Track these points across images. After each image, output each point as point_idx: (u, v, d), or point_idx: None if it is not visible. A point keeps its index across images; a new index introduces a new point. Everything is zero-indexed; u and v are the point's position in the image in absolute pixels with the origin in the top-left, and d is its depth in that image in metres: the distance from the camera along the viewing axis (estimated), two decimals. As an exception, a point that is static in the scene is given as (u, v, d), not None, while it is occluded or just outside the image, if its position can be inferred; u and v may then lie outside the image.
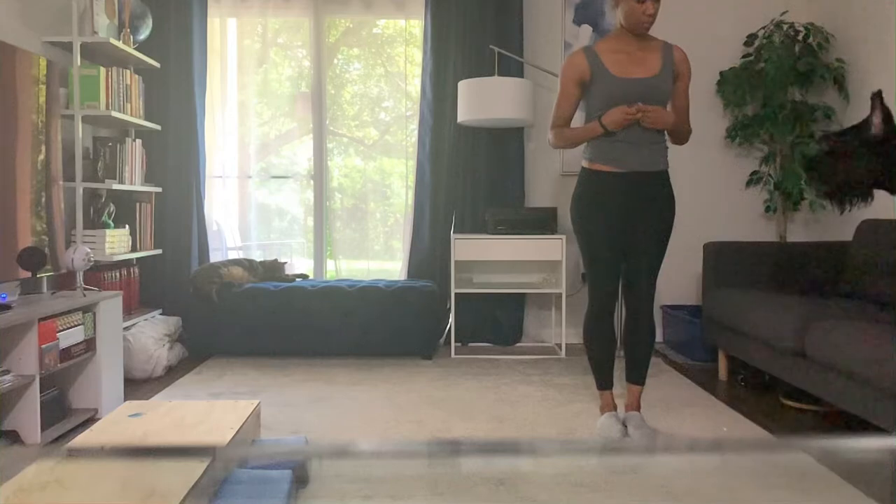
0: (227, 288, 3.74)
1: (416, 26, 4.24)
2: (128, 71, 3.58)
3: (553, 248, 3.77)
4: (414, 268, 4.17)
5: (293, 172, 4.46)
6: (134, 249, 3.74)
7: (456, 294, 3.92)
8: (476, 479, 2.09)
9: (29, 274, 2.60)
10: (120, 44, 3.43)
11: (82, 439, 1.94)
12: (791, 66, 3.87)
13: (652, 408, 2.86)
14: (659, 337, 4.22)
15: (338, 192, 4.48)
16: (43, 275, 2.84)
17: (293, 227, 4.59)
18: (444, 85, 4.10)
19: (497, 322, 4.14)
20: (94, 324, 2.79)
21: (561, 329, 4.09)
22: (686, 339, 3.79)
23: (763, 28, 4.06)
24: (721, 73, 4.16)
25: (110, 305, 2.90)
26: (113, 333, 2.92)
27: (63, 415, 2.64)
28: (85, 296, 2.79)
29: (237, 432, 1.98)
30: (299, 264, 4.53)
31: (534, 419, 2.72)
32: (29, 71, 2.60)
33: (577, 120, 4.26)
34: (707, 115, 4.26)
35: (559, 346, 4.12)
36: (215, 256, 4.24)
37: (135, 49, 3.66)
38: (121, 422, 2.04)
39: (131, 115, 3.62)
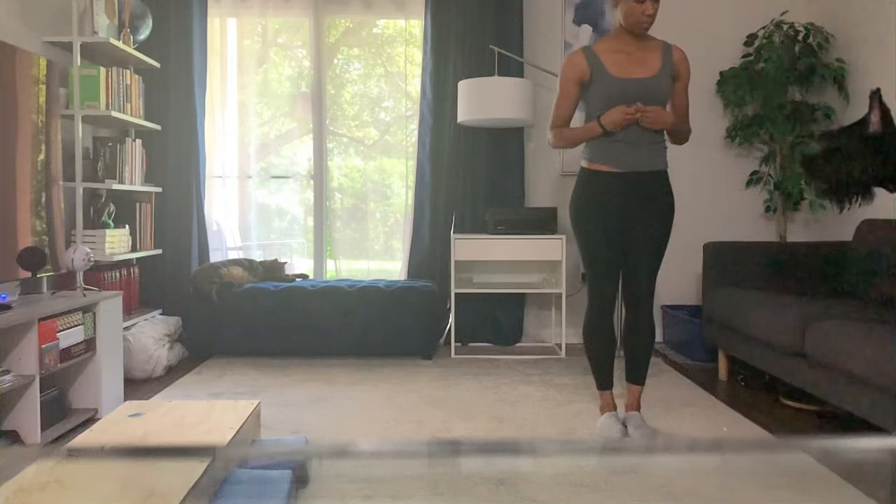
0: (227, 288, 3.74)
1: (416, 26, 4.24)
2: (128, 71, 3.58)
3: (553, 248, 3.77)
4: (414, 268, 4.17)
5: (293, 172, 4.46)
6: (134, 249, 3.74)
7: (456, 294, 3.92)
8: (476, 479, 2.09)
9: (29, 274, 2.60)
10: (120, 44, 3.43)
11: (82, 439, 1.94)
12: (791, 66, 3.87)
13: (652, 408, 2.86)
14: (659, 337, 4.22)
15: (338, 192, 4.48)
16: (43, 275, 2.84)
17: (293, 227, 4.59)
18: (444, 85, 4.10)
19: (497, 322, 4.14)
20: (94, 324, 2.79)
21: (561, 329, 4.09)
22: (686, 339, 3.79)
23: (763, 28, 4.06)
24: (721, 73, 4.16)
25: (110, 305, 2.90)
26: (113, 333, 2.92)
27: (63, 415, 2.64)
28: (85, 296, 2.79)
29: (237, 432, 1.99)
30: (299, 264, 4.53)
31: (534, 419, 2.72)
32: (29, 71, 2.60)
33: (577, 120, 4.26)
34: (707, 115, 4.26)
35: (559, 346, 4.12)
36: (215, 256, 4.24)
37: (135, 49, 3.66)
38: (121, 422, 2.04)
39: (131, 115, 3.62)
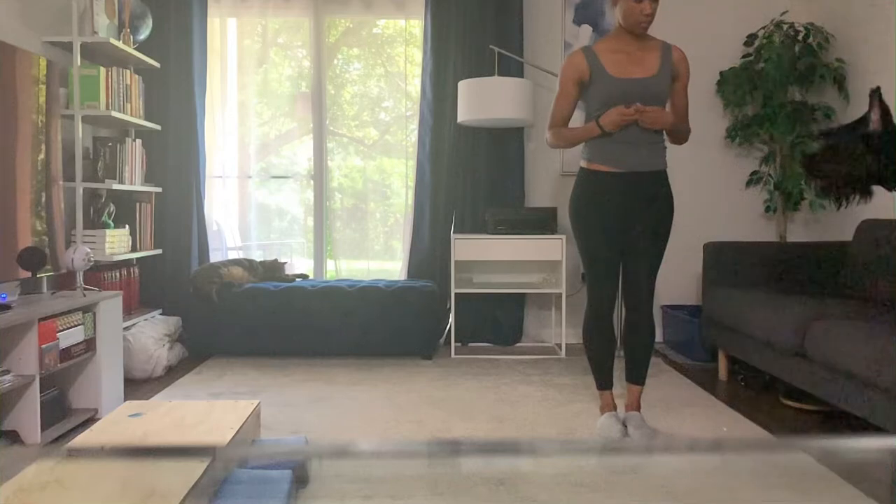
0: (227, 288, 3.74)
1: (416, 26, 4.24)
2: (128, 71, 3.58)
3: (553, 248, 3.77)
4: (414, 268, 4.17)
5: (293, 172, 4.46)
6: (134, 249, 3.74)
7: (456, 294, 3.92)
8: (476, 479, 2.09)
9: (29, 274, 2.60)
10: (120, 44, 3.43)
11: (82, 439, 1.94)
12: (791, 66, 3.87)
13: (652, 408, 2.86)
14: (659, 337, 4.22)
15: (338, 192, 4.48)
16: (43, 275, 2.84)
17: (293, 227, 4.59)
18: (444, 85, 4.10)
19: (497, 322, 4.14)
20: (94, 324, 2.79)
21: (561, 329, 4.09)
22: (686, 339, 3.79)
23: (763, 28, 4.06)
24: (721, 73, 4.16)
25: (110, 305, 2.90)
26: (113, 333, 2.92)
27: (63, 415, 2.64)
28: (85, 296, 2.79)
29: (237, 432, 1.99)
30: (299, 264, 4.53)
31: (534, 419, 2.72)
32: (29, 71, 2.60)
33: (577, 120, 4.26)
34: (707, 115, 4.26)
35: (559, 346, 4.12)
36: (215, 256, 4.24)
37: (135, 49, 3.66)
38: (121, 422, 2.04)
39: (131, 115, 3.62)
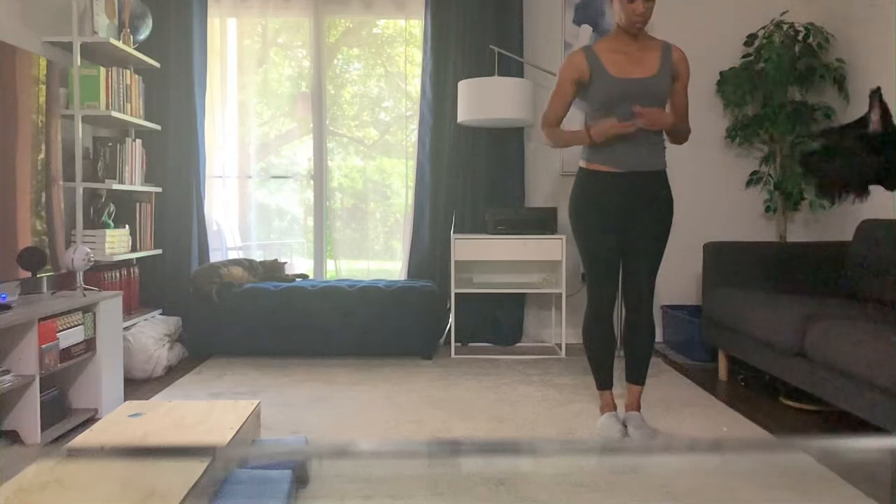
0: (227, 288, 3.74)
1: (416, 26, 4.24)
2: (128, 71, 3.58)
3: (553, 248, 3.77)
4: (414, 268, 4.17)
5: (293, 172, 4.46)
6: (134, 249, 3.74)
7: (456, 294, 3.92)
8: (476, 479, 2.09)
9: (29, 274, 2.60)
10: (120, 44, 3.43)
11: (82, 439, 1.94)
12: (791, 66, 3.87)
13: (652, 408, 2.86)
14: (659, 337, 4.22)
15: (338, 192, 4.48)
16: (43, 275, 2.84)
17: (293, 227, 4.59)
18: (444, 85, 4.10)
19: (497, 322, 4.14)
20: (94, 324, 2.79)
21: (561, 329, 4.09)
22: (686, 339, 3.79)
23: (763, 28, 4.06)
24: (721, 73, 4.16)
25: (110, 305, 2.90)
26: (113, 333, 2.92)
27: (63, 415, 2.64)
28: (85, 296, 2.79)
29: (237, 432, 1.99)
30: (299, 264, 4.53)
31: (534, 419, 2.72)
32: (29, 71, 2.60)
33: (578, 119, 4.26)
34: (707, 115, 4.26)
35: (559, 346, 4.12)
36: (215, 256, 4.24)
37: (135, 49, 3.66)
38: (121, 422, 2.04)
39: (131, 115, 3.62)
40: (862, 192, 2.08)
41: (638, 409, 2.59)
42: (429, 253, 4.15)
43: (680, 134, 2.54)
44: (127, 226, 3.67)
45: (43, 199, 2.69)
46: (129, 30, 3.64)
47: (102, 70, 3.35)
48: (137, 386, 3.26)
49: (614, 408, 2.61)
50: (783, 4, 4.19)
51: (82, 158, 3.45)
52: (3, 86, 2.45)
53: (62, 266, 2.82)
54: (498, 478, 2.09)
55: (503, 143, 4.12)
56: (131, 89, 3.62)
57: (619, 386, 3.13)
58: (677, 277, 4.31)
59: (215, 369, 3.53)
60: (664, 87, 2.42)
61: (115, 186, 3.44)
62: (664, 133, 2.51)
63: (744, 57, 4.14)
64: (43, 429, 2.46)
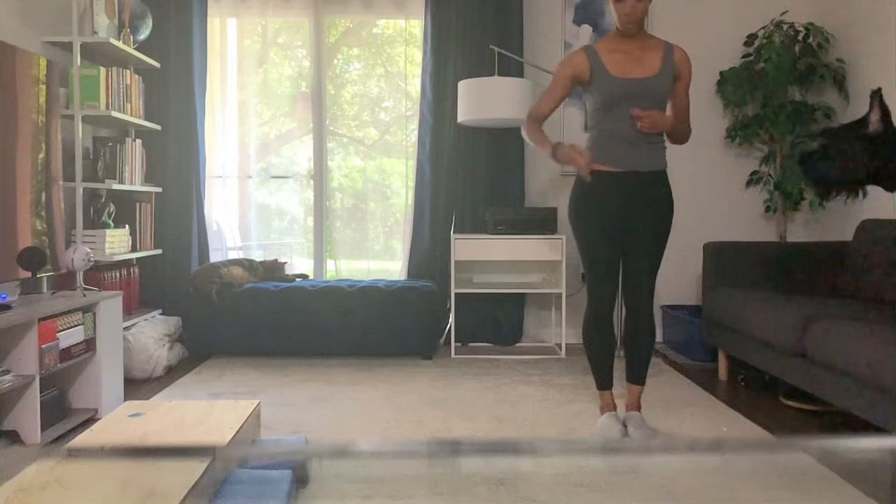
0: (227, 288, 3.74)
1: (416, 26, 4.24)
2: (128, 71, 3.58)
3: (553, 248, 3.77)
4: (414, 268, 4.17)
5: (293, 172, 4.46)
6: (134, 249, 3.74)
7: (456, 294, 3.92)
8: (476, 479, 2.09)
9: (29, 274, 2.60)
10: (120, 44, 3.43)
11: (82, 439, 1.94)
12: (791, 66, 3.87)
13: (652, 408, 2.86)
14: (659, 337, 4.22)
15: (338, 192, 4.48)
16: (43, 275, 2.84)
17: (293, 227, 4.59)
18: (444, 85, 4.10)
19: (497, 322, 4.14)
20: (94, 324, 2.79)
21: (561, 329, 4.09)
22: (686, 339, 3.79)
23: (763, 28, 4.06)
24: (721, 73, 4.16)
25: (110, 305, 2.90)
26: (113, 333, 2.92)
27: (63, 415, 2.64)
28: (85, 296, 2.79)
29: (237, 432, 1.99)
30: (299, 264, 4.53)
31: (534, 419, 2.72)
32: (29, 71, 2.60)
33: (577, 119, 4.26)
34: (707, 115, 4.26)
35: (559, 346, 4.12)
36: (215, 256, 4.24)
37: (135, 49, 3.66)
38: (121, 422, 2.04)
39: (131, 115, 3.62)
40: (857, 193, 2.09)
41: (638, 409, 2.59)
42: (429, 253, 4.15)
43: (680, 135, 2.54)
44: (127, 226, 3.67)
45: (43, 199, 2.69)
46: (129, 30, 3.64)
47: (102, 70, 3.35)
48: (137, 386, 3.26)
49: (614, 408, 2.61)
50: (783, 4, 4.19)
51: (82, 158, 3.45)
52: (3, 86, 2.45)
53: (62, 266, 2.82)
54: (498, 478, 2.09)
55: (503, 143, 4.12)
56: (131, 89, 3.62)
57: (620, 386, 3.13)
58: (677, 277, 4.31)
59: (215, 369, 3.53)
60: (665, 87, 2.42)
61: (115, 186, 3.44)
62: (664, 133, 2.51)
63: (744, 57, 4.14)
64: (43, 429, 2.46)
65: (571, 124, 4.24)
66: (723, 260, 3.39)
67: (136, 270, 3.81)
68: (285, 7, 4.25)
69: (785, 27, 3.95)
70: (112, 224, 3.55)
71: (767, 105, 3.98)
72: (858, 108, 3.78)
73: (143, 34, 3.76)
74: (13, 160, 2.50)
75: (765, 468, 2.17)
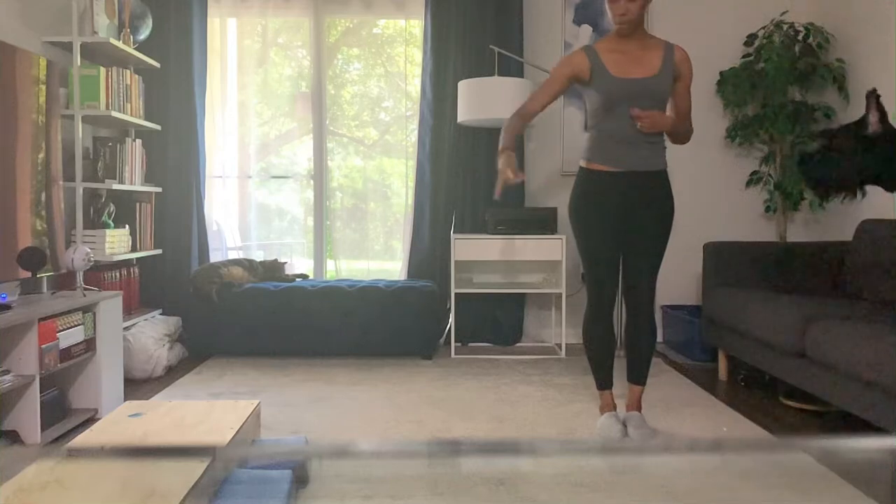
0: (227, 288, 3.74)
1: (416, 26, 4.24)
2: (128, 71, 3.58)
3: (553, 248, 3.77)
4: (414, 268, 4.17)
5: (293, 172, 4.46)
6: (134, 249, 3.74)
7: (456, 294, 3.92)
8: (476, 479, 2.09)
9: (29, 274, 2.60)
10: (120, 44, 3.43)
11: (82, 439, 1.94)
12: (791, 66, 3.87)
13: (652, 408, 2.86)
14: (659, 337, 4.22)
15: (338, 192, 4.48)
16: (43, 275, 2.84)
17: (293, 227, 4.59)
18: (444, 85, 4.10)
19: (497, 322, 4.14)
20: (94, 324, 2.79)
21: (561, 329, 4.09)
22: (686, 339, 3.79)
23: (763, 28, 4.06)
24: (721, 73, 4.16)
25: (110, 305, 2.90)
26: (113, 333, 2.92)
27: (63, 415, 2.64)
28: (85, 296, 2.79)
29: (237, 432, 1.99)
30: (299, 264, 4.53)
31: (534, 419, 2.72)
32: (29, 71, 2.60)
33: (577, 119, 4.26)
34: (707, 115, 4.26)
35: (559, 346, 4.12)
36: (215, 256, 4.24)
37: (135, 49, 3.66)
38: (121, 422, 2.04)
39: (131, 115, 3.62)
40: (857, 194, 2.09)
41: (639, 409, 2.59)
42: (429, 253, 4.15)
43: (681, 135, 2.53)
44: (127, 226, 3.67)
45: (43, 199, 2.69)
46: (129, 30, 3.64)
47: (102, 70, 3.35)
48: (137, 386, 3.26)
49: (614, 408, 2.61)
50: (783, 4, 4.19)
51: (82, 158, 3.45)
52: (3, 86, 2.45)
53: (62, 266, 2.82)
54: (498, 478, 2.09)
55: (503, 143, 4.12)
56: (131, 89, 3.62)
57: (620, 386, 3.13)
58: (677, 277, 4.31)
59: (215, 369, 3.53)
60: (665, 87, 2.41)
61: (115, 186, 3.44)
62: (665, 133, 2.51)
63: (744, 57, 4.14)
64: (43, 429, 2.46)
65: (571, 124, 4.24)
66: (723, 260, 3.39)
67: (136, 270, 3.81)
68: (285, 7, 4.25)
69: (785, 27, 3.95)
70: (112, 224, 3.55)
71: (767, 105, 3.98)
72: (858, 108, 3.78)
73: (143, 34, 3.76)
74: (13, 160, 2.50)
75: (765, 468, 2.17)
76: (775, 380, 3.28)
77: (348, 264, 4.43)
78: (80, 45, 3.33)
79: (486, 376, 3.39)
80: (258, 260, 4.09)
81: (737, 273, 3.37)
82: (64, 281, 3.28)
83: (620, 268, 2.57)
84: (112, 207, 3.58)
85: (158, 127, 3.95)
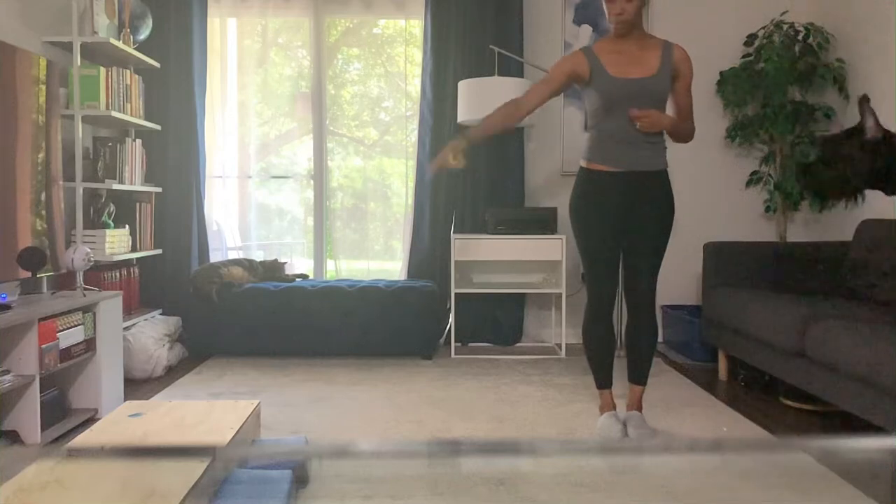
0: (227, 288, 3.74)
1: (416, 26, 4.24)
2: (128, 71, 3.58)
3: (553, 248, 3.77)
4: (414, 268, 4.17)
5: (293, 172, 4.46)
6: (134, 249, 3.74)
7: (456, 294, 3.92)
8: (476, 479, 2.09)
9: (29, 274, 2.60)
10: (120, 44, 3.43)
11: (82, 439, 1.94)
12: (791, 66, 3.87)
13: (652, 408, 2.86)
14: (659, 337, 4.21)
15: (338, 192, 4.48)
16: (43, 275, 2.84)
17: (293, 227, 4.59)
18: (444, 85, 4.10)
19: (497, 322, 4.14)
20: (94, 324, 2.79)
21: (561, 329, 4.09)
22: (686, 339, 3.79)
23: (763, 28, 4.06)
24: (721, 73, 4.16)
25: (110, 305, 2.90)
26: (113, 333, 2.92)
27: (63, 415, 2.64)
28: (85, 296, 2.79)
29: (237, 432, 1.99)
30: (299, 264, 4.53)
31: (534, 419, 2.72)
32: (29, 71, 2.60)
33: (577, 119, 4.26)
34: (707, 115, 4.26)
35: (559, 346, 4.12)
36: (215, 256, 4.24)
37: (135, 49, 3.66)
38: (121, 422, 2.04)
39: (131, 115, 3.62)
40: (857, 199, 2.10)
41: (639, 409, 2.59)
42: (429, 253, 4.15)
43: (682, 134, 2.52)
44: (127, 226, 3.67)
45: (43, 199, 2.69)
46: (129, 30, 3.64)
47: (102, 70, 3.35)
48: (137, 386, 3.26)
49: (614, 407, 2.61)
50: (783, 4, 4.19)
51: (82, 158, 3.45)
52: (3, 86, 2.45)
53: (62, 266, 2.82)
54: (498, 478, 2.09)
55: (503, 143, 4.12)
56: (131, 89, 3.62)
57: (620, 386, 3.13)
58: (677, 277, 4.31)
59: (215, 369, 3.53)
60: (664, 86, 2.41)
61: (115, 186, 3.44)
62: (665, 133, 2.51)
63: (744, 57, 4.14)
64: (43, 429, 2.46)
65: (571, 124, 4.24)
66: (723, 260, 3.39)
67: (136, 270, 3.81)
68: (285, 7, 4.25)
69: (785, 27, 3.95)
70: (112, 224, 3.55)
71: (767, 105, 3.98)
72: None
73: (143, 34, 3.76)
74: (13, 160, 2.50)
75: (765, 468, 2.17)
76: (775, 380, 3.28)
77: (348, 264, 4.43)
78: (80, 45, 3.33)
79: (486, 376, 3.39)
80: (258, 260, 4.09)
81: (737, 273, 3.37)
82: (64, 281, 3.28)
83: (620, 268, 2.57)
84: (112, 207, 3.58)
85: (158, 127, 3.95)
